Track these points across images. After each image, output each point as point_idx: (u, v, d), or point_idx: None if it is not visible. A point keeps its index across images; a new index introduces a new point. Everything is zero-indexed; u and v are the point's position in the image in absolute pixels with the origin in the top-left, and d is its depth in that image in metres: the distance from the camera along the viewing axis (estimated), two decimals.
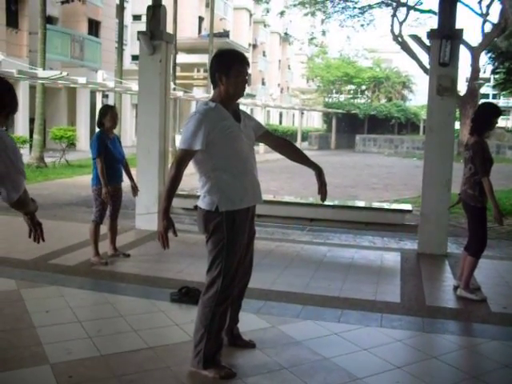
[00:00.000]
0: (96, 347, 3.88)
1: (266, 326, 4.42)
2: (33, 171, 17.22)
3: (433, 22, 33.20)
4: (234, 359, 3.76)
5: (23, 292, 5.04)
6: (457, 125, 25.96)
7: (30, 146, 19.40)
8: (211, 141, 3.39)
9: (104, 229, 6.46)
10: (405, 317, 4.73)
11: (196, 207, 3.61)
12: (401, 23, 31.22)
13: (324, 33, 38.58)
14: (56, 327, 4.25)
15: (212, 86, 3.62)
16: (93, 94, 24.94)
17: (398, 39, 31.06)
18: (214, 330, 3.52)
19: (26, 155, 18.94)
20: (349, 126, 42.66)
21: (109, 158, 6.11)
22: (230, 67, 3.50)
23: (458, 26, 7.10)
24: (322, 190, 3.85)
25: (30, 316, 4.42)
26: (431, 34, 7.15)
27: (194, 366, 3.53)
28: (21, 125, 23.76)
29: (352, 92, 54.19)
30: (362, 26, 33.05)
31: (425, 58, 26.37)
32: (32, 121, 19.37)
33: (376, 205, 8.69)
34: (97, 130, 6.33)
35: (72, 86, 21.28)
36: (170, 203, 3.44)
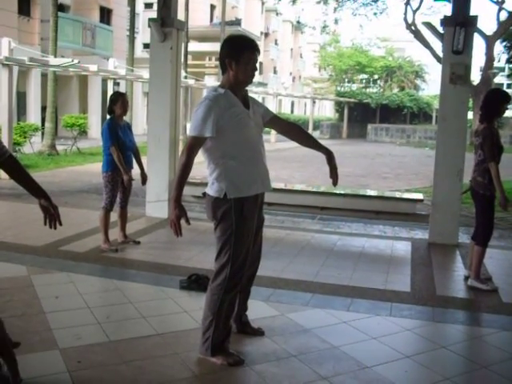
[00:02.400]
0: (105, 333, 3.89)
1: (275, 313, 4.41)
2: (44, 159, 17.31)
3: (447, 10, 32.89)
4: (243, 346, 3.76)
5: (34, 278, 5.07)
6: (470, 115, 25.72)
7: (42, 134, 19.47)
8: (220, 127, 3.36)
9: (114, 216, 6.48)
10: (414, 306, 4.70)
11: (204, 194, 3.59)
12: (414, 11, 30.89)
13: (336, 21, 38.24)
14: (65, 313, 4.27)
15: (221, 72, 3.59)
16: (104, 82, 24.94)
17: (412, 28, 30.74)
18: (222, 318, 3.52)
19: (38, 143, 19.03)
20: (361, 116, 42.42)
21: (120, 145, 6.10)
22: (240, 53, 3.47)
23: (472, 13, 7.01)
24: (333, 174, 3.79)
25: (40, 302, 4.44)
26: (445, 22, 7.06)
27: (203, 353, 3.53)
28: (33, 113, 23.88)
29: (364, 81, 53.92)
30: (375, 14, 32.70)
31: (438, 46, 26.17)
32: (44, 109, 19.43)
33: (387, 194, 8.64)
34: (108, 117, 6.32)
35: (83, 73, 21.27)
36: (182, 191, 3.40)
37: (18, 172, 2.82)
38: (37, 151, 18.37)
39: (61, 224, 2.88)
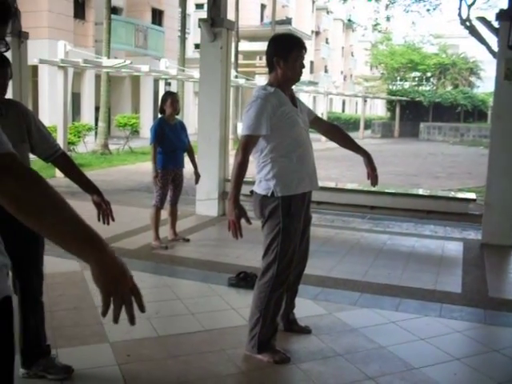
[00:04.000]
0: (154, 328, 3.96)
1: (323, 312, 4.39)
2: (97, 158, 17.71)
3: (503, 5, 31.94)
4: (289, 344, 3.76)
5: (86, 273, 5.18)
6: None
7: (96, 134, 19.93)
8: (272, 125, 3.37)
9: (165, 214, 6.58)
10: (466, 308, 4.60)
11: (252, 192, 3.61)
12: (469, 6, 30.10)
13: (388, 18, 37.59)
14: None
15: (268, 71, 3.60)
16: (156, 82, 25.33)
17: (466, 23, 29.97)
18: (269, 315, 3.53)
19: (92, 142, 19.49)
20: (413, 114, 41.69)
21: (168, 144, 6.20)
22: (288, 51, 3.48)
23: None
24: (373, 175, 3.82)
25: (91, 296, 4.54)
26: (500, 16, 6.87)
27: (249, 350, 3.55)
28: (87, 113, 24.47)
29: (417, 79, 52.93)
30: (428, 10, 32.02)
31: (494, 42, 25.44)
32: (97, 109, 19.90)
33: (439, 193, 8.48)
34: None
35: (135, 74, 21.69)
36: (240, 190, 3.40)
37: (71, 169, 2.90)
38: (90, 150, 18.81)
39: (113, 219, 2.95)
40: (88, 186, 2.96)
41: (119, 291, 1.39)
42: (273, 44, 3.58)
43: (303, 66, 3.59)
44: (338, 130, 3.99)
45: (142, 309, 1.45)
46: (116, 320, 1.41)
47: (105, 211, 2.93)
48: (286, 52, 3.48)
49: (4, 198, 1.30)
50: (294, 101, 3.60)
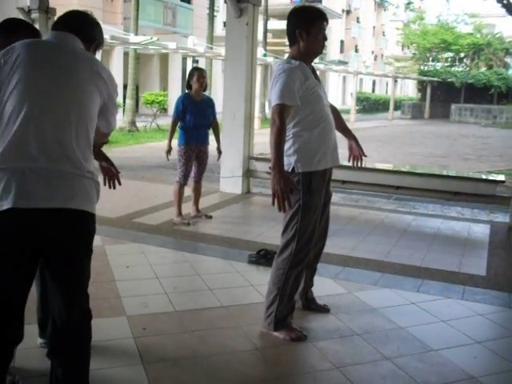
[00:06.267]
0: (171, 303, 3.96)
1: (343, 291, 4.34)
2: (125, 135, 17.81)
3: None
4: (307, 322, 3.73)
5: (107, 248, 5.23)
6: None
7: (123, 111, 20.01)
8: (299, 99, 3.30)
9: (189, 190, 6.57)
10: (489, 291, 4.49)
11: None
12: None
13: None
14: (135, 282, 4.38)
15: (289, 44, 3.51)
16: (184, 60, 25.29)
17: (503, 1, 29.20)
18: (286, 293, 3.49)
19: (119, 119, 19.58)
20: (444, 95, 40.92)
21: (189, 120, 6.16)
22: (311, 23, 3.39)
23: None
24: (359, 157, 3.92)
25: (111, 270, 4.58)
26: None
27: (265, 327, 3.53)
28: None
29: (449, 60, 51.90)
30: None
31: None
32: (125, 87, 19.97)
33: (466, 174, 8.30)
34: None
35: (163, 51, 21.66)
36: (283, 159, 3.24)
37: None
38: (118, 127, 18.89)
39: (120, 183, 2.93)
40: (97, 153, 2.95)
41: None
42: (294, 16, 3.49)
43: (326, 39, 3.51)
44: (335, 111, 3.84)
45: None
46: None
47: (113, 176, 2.92)
48: (308, 24, 3.39)
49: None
50: (316, 74, 3.52)
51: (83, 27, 2.51)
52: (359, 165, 3.94)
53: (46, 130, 2.21)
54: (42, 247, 2.22)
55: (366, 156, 3.98)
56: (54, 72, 2.29)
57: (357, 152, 3.88)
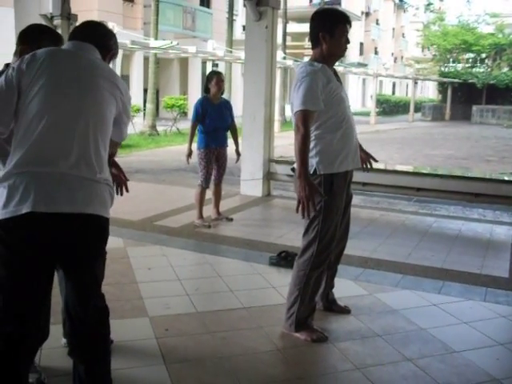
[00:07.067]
0: (193, 304, 3.99)
1: (363, 293, 4.34)
2: (145, 139, 17.95)
3: None
4: (328, 324, 3.74)
5: (129, 250, 5.29)
6: None
7: (144, 115, 20.17)
8: (322, 102, 3.32)
9: (210, 193, 6.61)
10: None
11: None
12: None
13: None
14: (156, 283, 4.42)
15: (311, 46, 3.53)
16: (204, 64, 25.43)
17: None
18: (307, 294, 3.51)
19: (140, 124, 19.75)
20: (465, 97, 40.55)
21: (209, 123, 6.21)
22: (334, 26, 3.40)
23: None
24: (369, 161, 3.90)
25: (133, 272, 4.64)
26: None
27: (286, 328, 3.55)
28: (135, 95, 24.72)
29: (470, 60, 51.41)
30: None
31: None
32: (146, 91, 20.12)
33: (487, 175, 8.23)
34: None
35: (183, 55, 21.80)
36: (308, 165, 3.28)
37: None
38: (138, 131, 19.06)
39: (127, 191, 2.97)
40: (109, 162, 2.99)
41: None
42: (318, 19, 3.50)
43: (348, 42, 3.52)
44: None
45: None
46: None
47: (121, 181, 2.96)
48: (331, 26, 3.40)
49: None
50: (338, 77, 3.54)
51: (101, 38, 2.59)
52: (369, 166, 3.92)
53: (66, 136, 2.27)
54: (58, 250, 2.26)
55: (376, 161, 3.97)
56: (75, 81, 2.34)
57: (364, 157, 3.87)
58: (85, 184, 2.26)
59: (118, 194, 2.97)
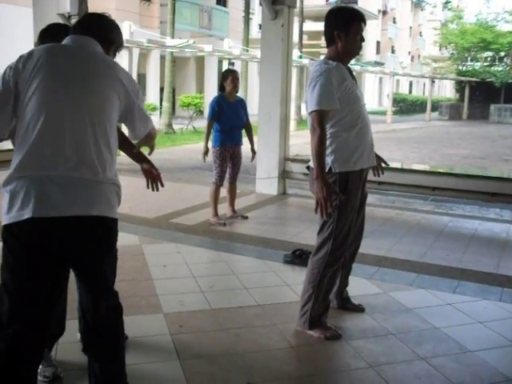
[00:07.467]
0: (207, 301, 4.02)
1: (378, 291, 4.34)
2: (161, 137, 18.02)
3: None
4: (342, 322, 3.74)
5: (144, 247, 5.33)
6: None
7: (160, 113, 20.26)
8: (338, 100, 3.32)
9: (224, 191, 6.64)
10: None
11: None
12: None
13: None
14: (171, 280, 4.46)
15: (326, 44, 3.53)
16: (220, 63, 25.46)
17: None
18: (321, 292, 3.52)
19: (156, 122, 19.84)
20: (483, 95, 40.18)
21: (225, 121, 6.23)
22: (350, 24, 3.40)
23: None
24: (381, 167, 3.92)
25: (148, 269, 4.67)
26: None
27: (300, 326, 3.56)
28: (152, 93, 24.90)
29: (489, 59, 50.94)
30: None
31: None
32: (162, 90, 20.22)
33: (505, 174, 8.16)
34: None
35: (199, 54, 21.87)
36: (325, 166, 3.29)
37: (123, 141, 2.92)
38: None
39: (162, 185, 2.95)
40: (138, 156, 2.99)
41: None
42: (333, 17, 3.50)
43: (363, 40, 3.52)
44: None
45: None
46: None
47: (155, 178, 2.95)
48: (346, 25, 3.40)
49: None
50: (353, 75, 3.54)
51: (102, 30, 2.48)
52: (381, 172, 3.93)
53: (64, 137, 2.21)
54: (65, 253, 2.24)
55: (387, 165, 4.00)
56: (73, 78, 2.27)
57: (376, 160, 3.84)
58: (87, 185, 2.21)
59: (153, 190, 2.96)
